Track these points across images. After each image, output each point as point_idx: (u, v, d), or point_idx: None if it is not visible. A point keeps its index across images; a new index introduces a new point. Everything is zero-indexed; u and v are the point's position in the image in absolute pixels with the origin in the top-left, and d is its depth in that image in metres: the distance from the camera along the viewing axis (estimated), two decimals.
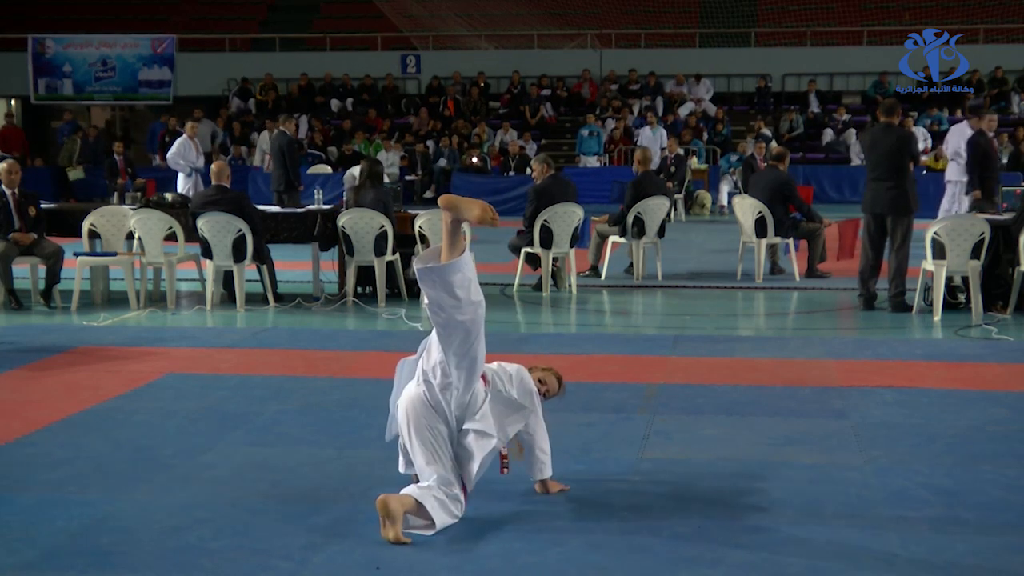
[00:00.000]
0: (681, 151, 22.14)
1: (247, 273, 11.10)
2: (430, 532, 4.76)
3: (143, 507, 5.23)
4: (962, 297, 10.70)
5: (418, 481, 4.94)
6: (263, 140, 24.51)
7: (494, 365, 5.22)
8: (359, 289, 11.53)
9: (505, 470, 5.20)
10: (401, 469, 5.19)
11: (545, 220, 11.79)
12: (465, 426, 4.96)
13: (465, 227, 11.57)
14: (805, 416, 6.87)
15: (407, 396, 4.98)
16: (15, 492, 5.47)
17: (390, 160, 23.00)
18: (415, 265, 4.82)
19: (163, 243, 11.18)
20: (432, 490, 4.80)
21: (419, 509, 4.76)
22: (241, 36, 30.49)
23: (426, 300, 4.86)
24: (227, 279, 11.27)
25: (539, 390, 5.33)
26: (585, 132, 24.96)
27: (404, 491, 4.81)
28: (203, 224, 10.76)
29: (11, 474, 5.78)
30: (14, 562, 4.55)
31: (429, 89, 28.28)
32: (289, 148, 16.11)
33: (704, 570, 4.44)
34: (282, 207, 12.93)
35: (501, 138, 25.36)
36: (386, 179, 15.87)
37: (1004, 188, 11.80)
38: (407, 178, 23.53)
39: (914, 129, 21.70)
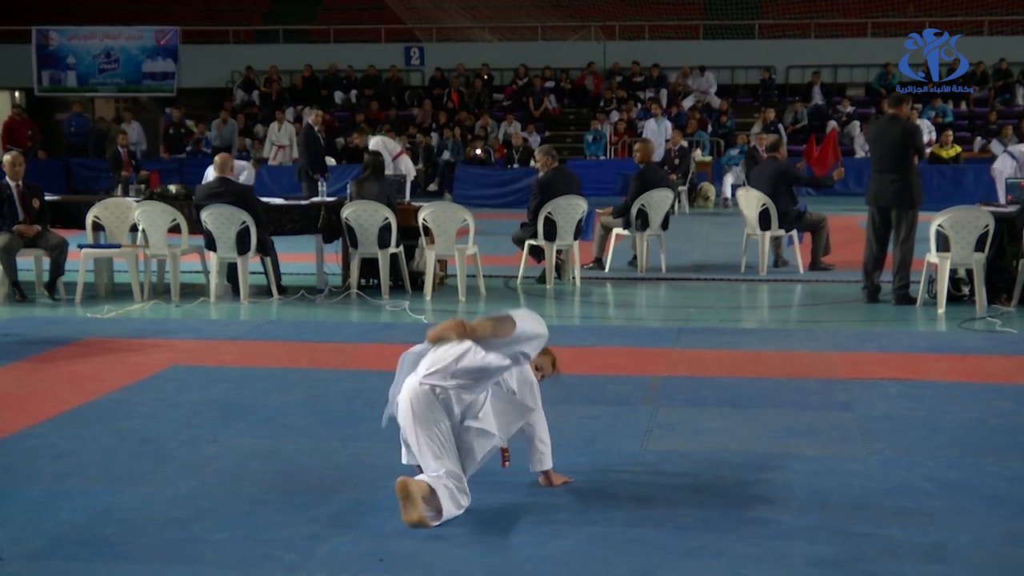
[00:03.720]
0: (685, 143, 22.12)
1: (251, 265, 11.10)
2: (435, 523, 4.76)
3: (147, 498, 5.24)
4: (966, 290, 10.69)
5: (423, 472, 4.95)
6: (272, 132, 24.60)
7: None
8: (363, 281, 11.51)
9: (507, 463, 5.21)
10: (404, 460, 5.20)
11: (549, 212, 11.78)
12: (467, 423, 4.97)
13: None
14: (809, 408, 6.87)
15: (411, 391, 4.96)
16: (20, 483, 5.49)
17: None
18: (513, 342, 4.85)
19: (167, 235, 11.18)
20: (443, 479, 4.81)
21: (431, 496, 4.77)
22: (245, 28, 30.47)
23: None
24: (231, 271, 11.28)
25: (536, 377, 5.33)
26: (589, 137, 24.99)
27: (418, 477, 4.81)
28: (207, 216, 10.76)
29: (16, 466, 5.79)
30: (19, 552, 4.56)
31: (433, 81, 28.25)
32: (315, 139, 16.84)
33: (707, 561, 4.44)
34: (310, 194, 13.00)
35: (505, 130, 25.34)
36: (411, 171, 16.47)
37: (1009, 180, 11.77)
38: None
39: (919, 121, 21.68)
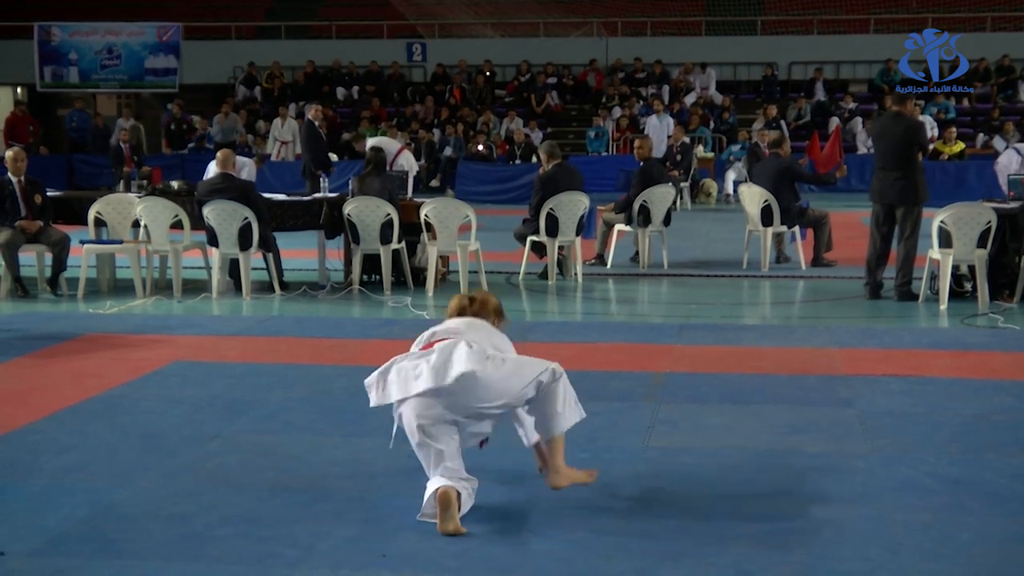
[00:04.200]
0: (687, 139, 22.12)
1: (253, 261, 11.10)
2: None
3: (149, 494, 5.24)
4: (968, 286, 10.69)
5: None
6: (275, 128, 24.61)
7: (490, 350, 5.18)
8: (365, 277, 11.53)
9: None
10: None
11: (551, 209, 11.78)
12: (468, 428, 4.98)
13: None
14: (810, 405, 6.87)
15: (423, 408, 4.87)
16: (22, 479, 5.49)
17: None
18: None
19: (169, 231, 11.18)
20: (460, 483, 4.80)
21: (458, 500, 4.77)
22: (247, 24, 30.49)
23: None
24: (233, 267, 11.28)
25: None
26: (592, 134, 25.00)
27: (439, 481, 4.76)
28: (209, 212, 10.77)
29: (18, 461, 5.80)
30: (21, 549, 4.57)
31: (435, 77, 28.25)
32: (316, 134, 16.87)
33: (709, 558, 4.44)
34: (313, 191, 12.99)
35: (507, 126, 25.33)
36: (413, 166, 16.46)
37: (1012, 176, 11.75)
38: None
39: (922, 118, 21.65)
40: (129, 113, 26.00)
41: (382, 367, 5.07)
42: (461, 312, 5.31)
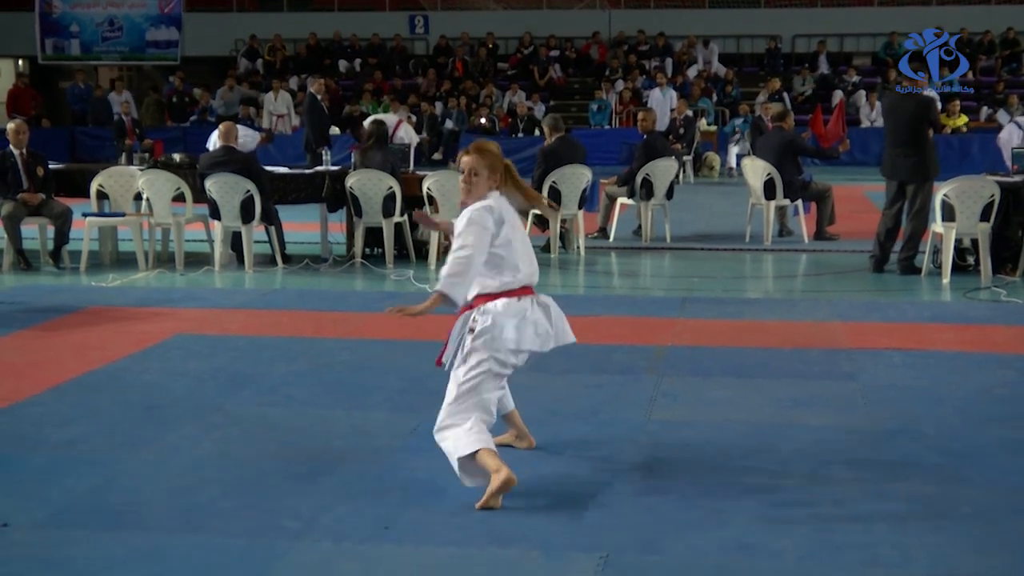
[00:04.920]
0: (690, 113, 22.03)
1: (255, 234, 11.09)
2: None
3: (152, 467, 5.26)
4: (971, 259, 10.67)
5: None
6: (269, 101, 24.52)
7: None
8: (367, 250, 11.53)
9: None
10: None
11: (553, 182, 11.76)
12: None
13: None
14: (813, 378, 6.87)
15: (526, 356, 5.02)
16: (25, 451, 5.50)
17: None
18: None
19: (171, 204, 11.17)
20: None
21: None
22: None
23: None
24: (235, 240, 11.26)
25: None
26: (595, 107, 24.92)
27: (492, 449, 4.75)
28: (211, 185, 10.75)
29: (21, 434, 5.81)
30: (25, 521, 4.58)
31: (437, 50, 28.14)
32: (319, 109, 16.75)
33: (711, 531, 4.45)
34: (312, 165, 12.95)
35: (509, 99, 25.26)
36: (414, 138, 16.29)
37: (1015, 150, 11.71)
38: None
39: (928, 91, 21.53)
40: (122, 86, 25.88)
41: (517, 310, 5.14)
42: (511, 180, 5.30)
